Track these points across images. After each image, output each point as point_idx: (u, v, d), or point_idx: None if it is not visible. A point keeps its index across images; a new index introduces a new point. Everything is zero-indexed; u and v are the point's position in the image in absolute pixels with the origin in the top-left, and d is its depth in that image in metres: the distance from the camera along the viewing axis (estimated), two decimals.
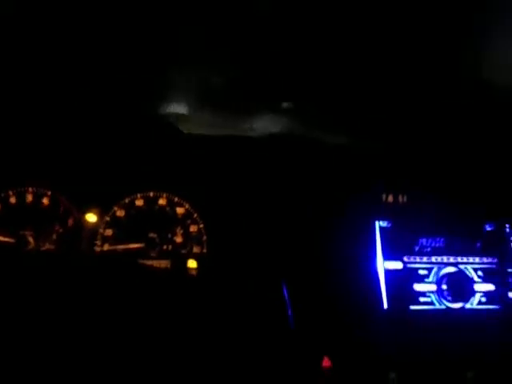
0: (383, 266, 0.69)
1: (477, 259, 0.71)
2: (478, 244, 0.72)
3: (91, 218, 0.80)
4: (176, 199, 0.83)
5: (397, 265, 0.69)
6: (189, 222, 0.83)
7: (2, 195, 0.79)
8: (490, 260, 0.71)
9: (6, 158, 0.81)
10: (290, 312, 0.59)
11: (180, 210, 0.83)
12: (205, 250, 0.81)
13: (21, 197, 0.80)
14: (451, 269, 0.70)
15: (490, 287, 0.70)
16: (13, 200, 0.80)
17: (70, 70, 0.74)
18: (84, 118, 0.82)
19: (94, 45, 0.67)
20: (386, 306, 0.67)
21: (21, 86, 0.78)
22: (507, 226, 0.74)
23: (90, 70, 0.74)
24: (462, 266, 0.70)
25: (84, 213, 0.80)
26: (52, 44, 0.67)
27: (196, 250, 0.82)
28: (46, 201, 0.80)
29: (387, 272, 0.68)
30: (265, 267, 0.73)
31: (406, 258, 0.70)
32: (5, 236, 0.77)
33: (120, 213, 0.81)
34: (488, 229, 0.73)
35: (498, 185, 0.75)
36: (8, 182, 0.80)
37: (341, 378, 0.62)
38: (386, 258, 0.69)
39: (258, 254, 0.76)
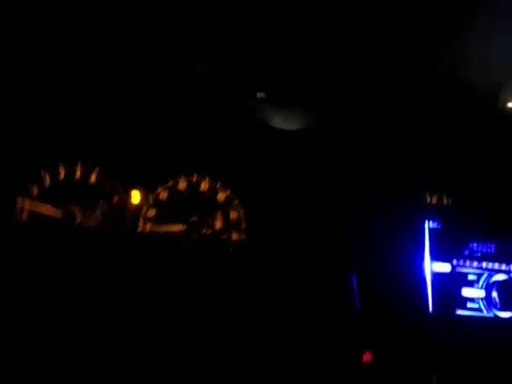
0: (431, 268, 0.66)
1: None
2: None
3: (135, 197, 0.81)
4: (218, 185, 0.83)
5: (445, 267, 0.66)
6: (229, 208, 0.82)
7: (52, 170, 0.81)
8: None
9: (58, 134, 0.83)
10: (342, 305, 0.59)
11: (221, 196, 0.83)
12: (244, 237, 0.81)
13: (70, 172, 0.82)
14: (502, 276, 0.66)
15: None
16: (62, 175, 0.82)
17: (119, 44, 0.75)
18: (136, 98, 0.83)
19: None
20: (431, 308, 0.65)
21: (71, 62, 0.80)
22: None
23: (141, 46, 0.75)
24: None
25: (129, 192, 0.82)
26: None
27: (235, 236, 0.82)
28: (93, 178, 0.82)
29: (435, 274, 0.66)
30: (305, 259, 0.72)
31: (455, 262, 0.67)
32: (53, 210, 0.79)
33: (163, 194, 0.82)
34: None
35: None
36: (58, 158, 0.82)
37: (381, 375, 0.61)
38: (434, 259, 0.66)
39: (297, 245, 0.75)
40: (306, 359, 0.61)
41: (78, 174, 0.82)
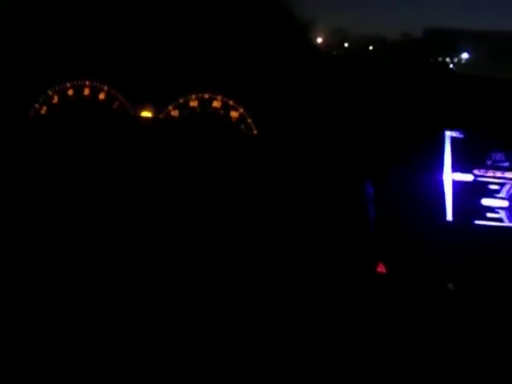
0: (451, 177, 0.64)
1: None
2: None
3: (146, 115, 0.79)
4: (231, 102, 0.80)
5: (466, 177, 0.64)
6: (242, 127, 0.80)
7: (60, 87, 0.79)
8: None
9: (66, 50, 0.80)
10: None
11: (234, 114, 0.80)
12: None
13: (78, 90, 0.80)
14: None
15: None
16: (70, 92, 0.80)
17: None
18: (145, 12, 0.79)
19: None
20: (450, 217, 0.63)
21: None
22: None
23: None
24: None
25: (138, 110, 0.79)
26: None
27: None
28: (102, 96, 0.80)
29: (455, 183, 0.64)
30: (321, 171, 0.70)
31: (476, 171, 0.64)
32: None
33: (174, 113, 0.80)
34: None
35: None
36: (66, 75, 0.80)
37: (397, 286, 0.61)
38: (455, 169, 0.64)
39: (311, 167, 0.73)
40: (319, 268, 0.61)
41: (87, 91, 0.80)
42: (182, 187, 0.75)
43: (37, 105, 0.79)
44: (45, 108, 0.79)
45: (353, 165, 0.65)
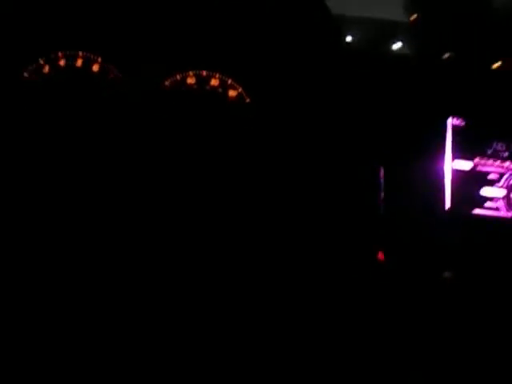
0: (451, 165, 0.63)
1: None
2: None
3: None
4: (229, 81, 0.78)
5: (466, 165, 0.64)
6: (240, 106, 0.78)
7: (52, 56, 0.76)
8: None
9: (59, 19, 0.76)
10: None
11: (232, 93, 0.78)
12: None
13: (70, 60, 0.76)
14: None
15: None
16: (62, 62, 0.76)
17: None
18: None
19: None
20: (448, 205, 0.63)
21: None
22: None
23: None
24: None
25: (132, 84, 0.77)
26: None
27: None
28: (95, 67, 0.77)
29: (454, 172, 0.63)
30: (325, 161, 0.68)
31: (476, 160, 0.64)
32: None
33: (170, 88, 0.77)
34: None
35: None
36: (58, 44, 0.76)
37: (394, 273, 0.60)
38: (456, 157, 0.63)
39: (313, 150, 0.71)
40: (321, 253, 0.60)
41: (79, 62, 0.77)
42: (176, 169, 0.73)
43: (26, 73, 0.76)
44: (34, 76, 0.76)
45: (361, 150, 0.63)
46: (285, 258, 0.59)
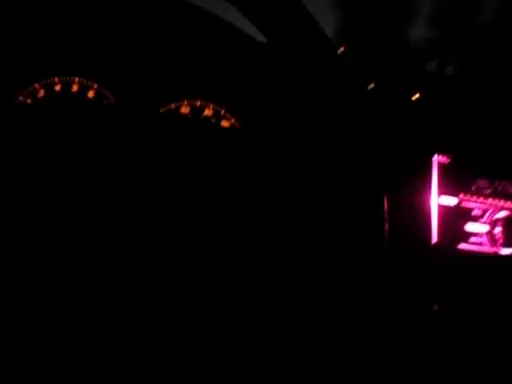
0: (437, 200, 0.66)
1: None
2: None
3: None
4: (223, 112, 0.80)
5: (452, 201, 0.66)
6: (233, 136, 0.80)
7: (48, 81, 0.77)
8: None
9: (56, 45, 0.78)
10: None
11: (225, 124, 0.80)
12: None
13: (66, 86, 0.77)
14: (506, 213, 0.66)
15: None
16: (58, 87, 0.77)
17: None
18: (143, 15, 0.78)
19: None
20: (435, 240, 0.65)
21: None
22: None
23: None
24: None
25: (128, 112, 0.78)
26: None
27: None
28: (91, 93, 0.78)
29: (441, 207, 0.65)
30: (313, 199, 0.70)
31: (461, 196, 0.66)
32: None
33: (164, 118, 0.79)
34: None
35: None
36: (54, 70, 0.77)
37: (382, 303, 0.61)
38: (442, 193, 0.66)
39: (303, 185, 0.72)
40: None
41: (75, 88, 0.78)
42: (169, 197, 0.73)
43: (21, 97, 0.76)
44: (29, 100, 0.76)
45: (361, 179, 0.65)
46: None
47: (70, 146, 0.74)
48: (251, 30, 0.72)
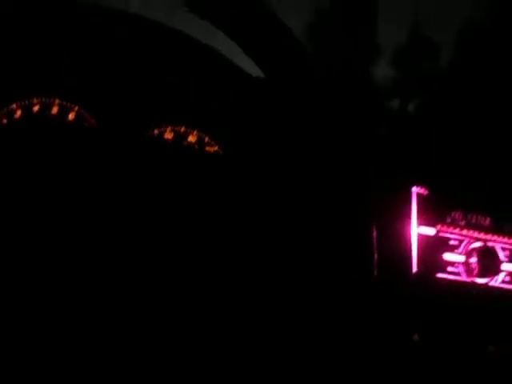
0: (416, 230, 0.68)
1: (505, 239, 0.71)
2: (505, 226, 0.73)
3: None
4: (207, 139, 0.80)
5: (430, 231, 0.68)
6: (216, 163, 0.80)
7: (26, 103, 0.74)
8: None
9: (35, 66, 0.76)
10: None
11: (209, 150, 0.80)
12: None
13: (45, 107, 0.75)
14: (481, 244, 0.70)
15: None
16: (36, 108, 0.75)
17: None
18: (125, 38, 0.78)
19: None
20: (415, 269, 0.67)
21: None
22: None
23: None
24: (490, 244, 0.70)
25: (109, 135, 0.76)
26: None
27: None
28: (71, 115, 0.76)
29: (420, 237, 0.68)
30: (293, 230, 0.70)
31: (439, 227, 0.69)
32: None
33: (147, 143, 0.78)
34: None
35: None
36: (33, 90, 0.75)
37: (362, 335, 0.61)
38: (421, 223, 0.68)
39: (288, 213, 0.73)
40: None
41: (55, 110, 0.76)
42: (152, 223, 0.71)
43: None
44: (5, 120, 0.73)
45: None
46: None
47: (47, 169, 0.72)
48: (238, 57, 0.73)
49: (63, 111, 0.75)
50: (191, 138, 0.79)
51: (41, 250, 0.55)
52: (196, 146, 0.79)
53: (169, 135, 0.79)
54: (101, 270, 0.56)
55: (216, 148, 0.80)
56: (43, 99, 0.75)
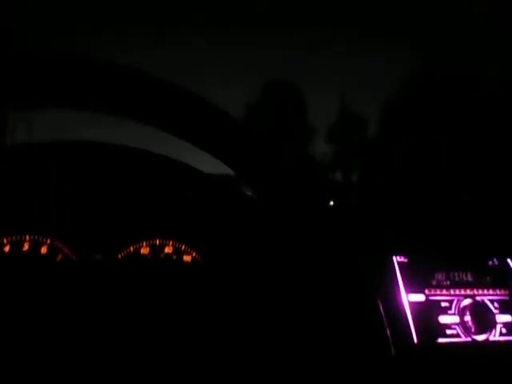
0: (407, 298, 0.69)
1: (491, 291, 0.73)
2: (488, 278, 0.75)
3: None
4: (183, 247, 0.80)
5: (419, 297, 0.69)
6: (196, 270, 0.79)
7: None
8: (502, 292, 0.73)
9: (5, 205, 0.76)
10: None
11: (187, 258, 0.80)
12: None
13: (16, 246, 0.74)
14: (471, 301, 0.70)
15: (508, 318, 0.71)
16: (6, 249, 0.73)
17: None
18: (90, 161, 0.80)
19: None
20: (415, 339, 0.66)
21: None
22: (509, 261, 0.77)
23: None
24: (478, 298, 0.71)
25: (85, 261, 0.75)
26: None
27: None
28: (44, 249, 0.75)
29: (412, 304, 0.68)
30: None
31: (427, 291, 0.70)
32: None
33: (124, 261, 0.77)
34: (494, 263, 0.76)
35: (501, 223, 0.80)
36: (1, 230, 0.74)
37: None
38: (408, 291, 0.69)
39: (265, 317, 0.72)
40: None
41: (26, 246, 0.74)
42: (134, 342, 0.68)
43: None
44: None
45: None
46: None
47: (22, 307, 0.69)
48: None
49: (35, 247, 0.74)
50: (168, 249, 0.79)
51: None
52: (174, 256, 0.79)
53: (145, 250, 0.78)
54: None
55: (194, 254, 0.80)
56: (13, 237, 0.74)
